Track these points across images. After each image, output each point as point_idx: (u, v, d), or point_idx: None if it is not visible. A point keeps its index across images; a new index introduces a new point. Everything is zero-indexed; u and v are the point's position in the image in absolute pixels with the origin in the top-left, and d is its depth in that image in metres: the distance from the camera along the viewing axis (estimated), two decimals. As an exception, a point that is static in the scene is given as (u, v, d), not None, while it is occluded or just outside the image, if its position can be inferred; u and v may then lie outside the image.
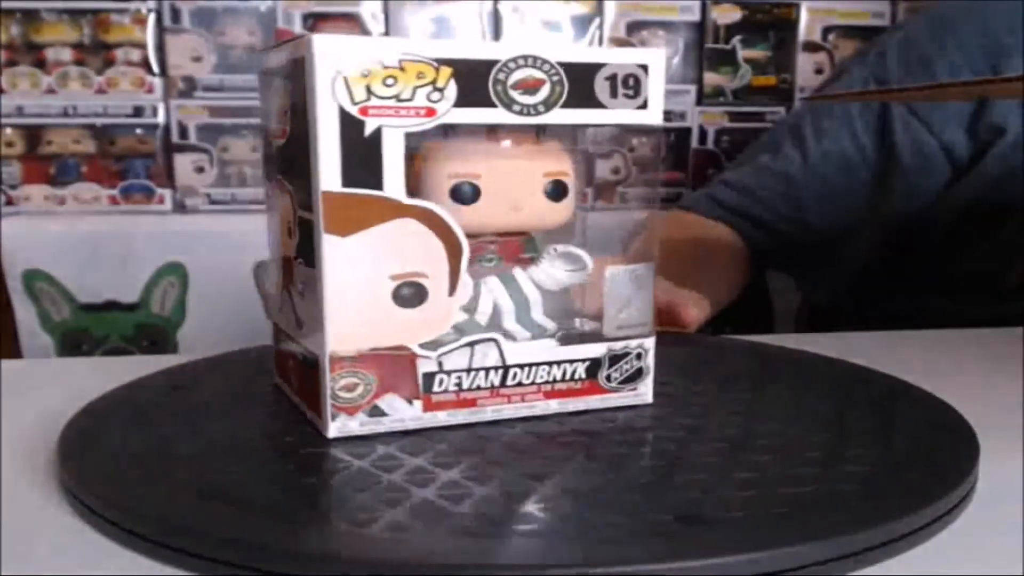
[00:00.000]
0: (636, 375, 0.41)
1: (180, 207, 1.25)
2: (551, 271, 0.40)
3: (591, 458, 0.35)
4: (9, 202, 1.23)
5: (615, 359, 0.40)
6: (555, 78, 0.37)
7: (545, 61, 0.36)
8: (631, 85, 0.38)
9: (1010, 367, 0.51)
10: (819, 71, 1.31)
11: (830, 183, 0.80)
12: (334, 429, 0.36)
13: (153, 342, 1.25)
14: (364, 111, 0.34)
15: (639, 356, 0.40)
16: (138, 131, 1.24)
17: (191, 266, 1.22)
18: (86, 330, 1.23)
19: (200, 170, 1.25)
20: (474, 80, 0.35)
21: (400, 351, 0.36)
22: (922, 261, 0.81)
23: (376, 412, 0.37)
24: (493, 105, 0.36)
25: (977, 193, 0.76)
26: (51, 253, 1.20)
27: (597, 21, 1.28)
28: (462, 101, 0.35)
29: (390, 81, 0.34)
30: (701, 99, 1.30)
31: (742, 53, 1.30)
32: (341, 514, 0.30)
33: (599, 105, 0.38)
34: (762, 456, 0.35)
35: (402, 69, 0.34)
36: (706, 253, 0.79)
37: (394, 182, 0.35)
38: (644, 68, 0.38)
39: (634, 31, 1.29)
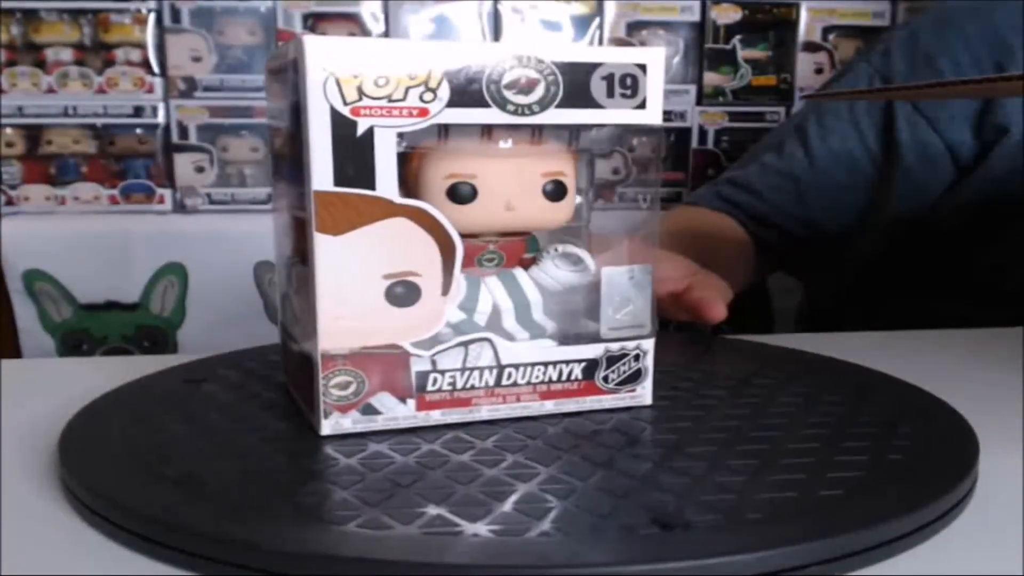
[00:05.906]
0: (635, 376, 0.40)
1: (180, 207, 1.25)
2: (552, 271, 0.40)
3: (584, 459, 0.35)
4: (9, 202, 1.23)
5: (613, 360, 0.40)
6: (550, 78, 0.36)
7: (540, 61, 0.36)
8: (628, 85, 0.37)
9: (1010, 367, 0.51)
10: (819, 71, 1.31)
11: (836, 181, 0.80)
12: (327, 427, 0.36)
13: (153, 342, 1.25)
14: (356, 111, 0.34)
15: (637, 357, 0.40)
16: (138, 131, 1.24)
17: (191, 266, 1.22)
18: (86, 330, 1.23)
19: (200, 170, 1.25)
20: (467, 80, 0.35)
21: (393, 350, 0.36)
22: (923, 262, 0.81)
23: (369, 410, 0.37)
24: (487, 105, 0.36)
25: (980, 193, 0.75)
26: (51, 253, 1.20)
27: (597, 21, 1.28)
28: (455, 101, 0.35)
29: (382, 81, 0.34)
30: (701, 99, 1.31)
31: (742, 53, 1.30)
32: (322, 512, 0.30)
33: (596, 105, 0.37)
34: (762, 456, 0.35)
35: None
36: (715, 244, 0.79)
37: (386, 182, 0.35)
38: (642, 67, 0.38)
39: (634, 31, 1.29)
